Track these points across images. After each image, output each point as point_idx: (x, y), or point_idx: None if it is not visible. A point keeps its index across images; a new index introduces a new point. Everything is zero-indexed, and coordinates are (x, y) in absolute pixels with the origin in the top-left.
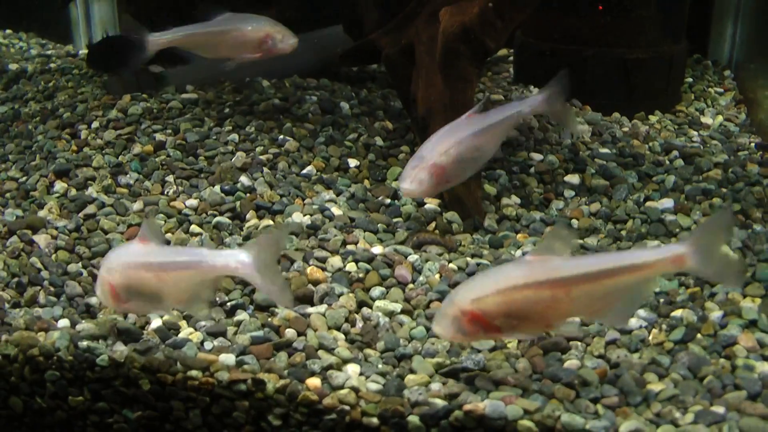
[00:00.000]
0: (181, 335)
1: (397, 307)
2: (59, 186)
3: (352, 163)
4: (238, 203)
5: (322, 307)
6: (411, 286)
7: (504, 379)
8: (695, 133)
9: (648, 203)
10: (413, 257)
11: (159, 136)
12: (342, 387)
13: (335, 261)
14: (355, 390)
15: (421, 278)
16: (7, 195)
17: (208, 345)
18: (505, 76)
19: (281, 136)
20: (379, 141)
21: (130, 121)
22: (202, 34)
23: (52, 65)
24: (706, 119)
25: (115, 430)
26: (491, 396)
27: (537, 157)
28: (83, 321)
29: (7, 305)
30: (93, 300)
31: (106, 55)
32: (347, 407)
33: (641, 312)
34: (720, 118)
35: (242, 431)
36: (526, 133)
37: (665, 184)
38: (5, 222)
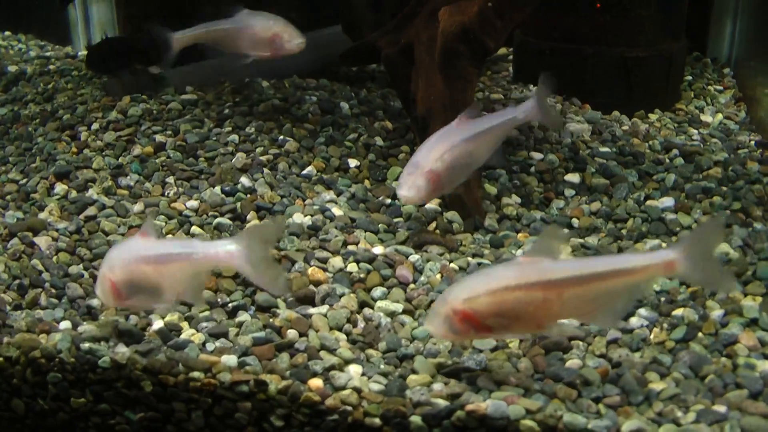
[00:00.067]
0: (182, 336)
1: (399, 307)
2: (60, 188)
3: (353, 163)
4: (238, 204)
5: (324, 308)
6: (412, 286)
7: (506, 378)
8: (695, 131)
9: (648, 202)
10: (414, 257)
11: (159, 138)
12: (344, 387)
13: (336, 261)
14: (358, 390)
15: (422, 278)
16: (8, 197)
17: (209, 346)
18: (505, 75)
19: (281, 137)
20: (379, 141)
21: (130, 123)
22: (219, 30)
23: (52, 67)
24: (706, 117)
25: None
26: (493, 396)
27: (537, 156)
28: (85, 323)
29: (8, 307)
30: (94, 302)
31: (106, 56)
32: (349, 408)
33: (642, 311)
34: (720, 116)
35: None
36: (526, 132)
37: (665, 182)
38: (6, 224)
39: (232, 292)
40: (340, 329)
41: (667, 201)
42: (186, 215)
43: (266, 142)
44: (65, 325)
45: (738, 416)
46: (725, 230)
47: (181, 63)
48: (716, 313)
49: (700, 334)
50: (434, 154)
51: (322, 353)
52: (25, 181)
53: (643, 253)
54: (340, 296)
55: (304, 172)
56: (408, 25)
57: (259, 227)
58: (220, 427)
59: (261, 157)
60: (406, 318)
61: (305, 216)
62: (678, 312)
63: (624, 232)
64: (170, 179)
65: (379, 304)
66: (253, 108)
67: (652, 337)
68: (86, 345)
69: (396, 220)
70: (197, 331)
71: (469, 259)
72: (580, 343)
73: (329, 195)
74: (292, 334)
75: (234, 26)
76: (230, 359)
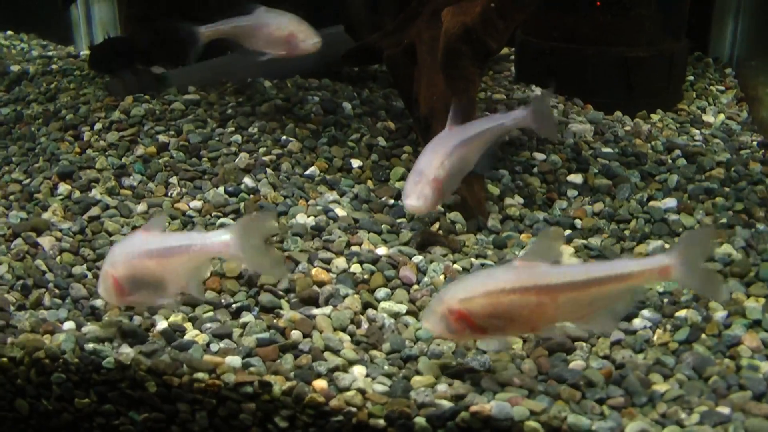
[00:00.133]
0: (186, 337)
1: (402, 308)
2: (63, 188)
3: (355, 163)
4: (242, 204)
5: (328, 309)
6: (416, 287)
7: (510, 380)
8: (697, 131)
9: (651, 203)
10: (418, 258)
11: (162, 138)
12: (348, 389)
13: (340, 262)
14: (362, 392)
15: (425, 279)
16: (11, 197)
17: (213, 347)
18: (506, 75)
19: (284, 137)
20: (381, 141)
21: (133, 123)
22: (241, 27)
23: (54, 66)
24: (708, 117)
25: None
26: (497, 397)
27: (540, 156)
28: (88, 323)
29: (12, 308)
30: (98, 302)
31: (108, 56)
32: (354, 409)
33: (645, 312)
34: (722, 116)
35: None
36: (529, 132)
37: (668, 183)
38: (10, 224)
39: (236, 292)
40: (344, 330)
41: (670, 202)
42: (189, 216)
43: (269, 143)
44: (69, 325)
45: (741, 418)
46: (722, 233)
47: (183, 63)
48: (719, 314)
49: (703, 336)
50: (436, 161)
51: (326, 354)
52: (28, 181)
53: (638, 259)
54: (344, 297)
55: (307, 172)
56: (410, 26)
57: (252, 217)
58: (224, 428)
59: (264, 158)
60: (410, 319)
61: (308, 216)
62: (681, 313)
63: (627, 233)
64: (173, 179)
65: (382, 305)
66: (255, 108)
67: (655, 338)
68: (90, 345)
69: (399, 220)
70: (201, 331)
71: (473, 259)
72: (584, 344)
73: (332, 195)
74: (296, 335)
75: (252, 23)
76: (234, 360)
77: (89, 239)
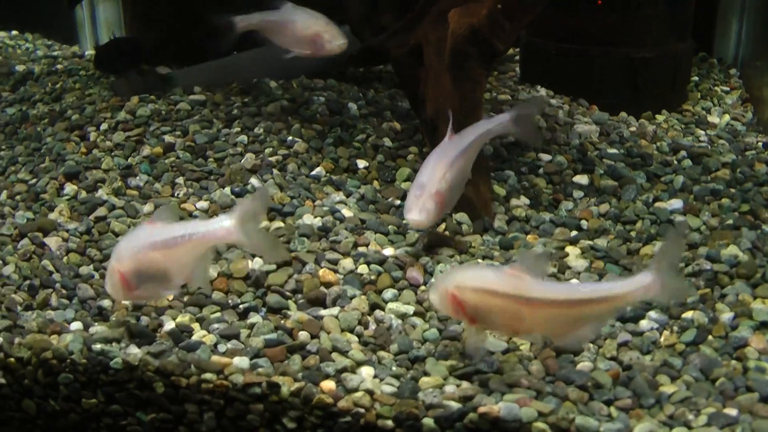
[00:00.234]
0: (194, 338)
1: (410, 309)
2: (69, 188)
3: (361, 164)
4: None
5: (335, 310)
6: (423, 288)
7: (517, 381)
8: (702, 132)
9: (657, 204)
10: (425, 259)
11: (168, 138)
12: (356, 390)
13: (347, 263)
14: (370, 392)
15: (432, 280)
16: (17, 197)
17: (221, 348)
18: (512, 76)
19: (290, 138)
20: (387, 142)
21: (139, 123)
22: (269, 21)
23: (59, 66)
24: (713, 118)
25: None
26: (505, 398)
27: (545, 157)
28: (96, 324)
29: (19, 308)
30: (105, 302)
31: (114, 56)
32: (362, 410)
33: (652, 314)
34: (727, 117)
35: None
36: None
37: (674, 184)
38: (16, 224)
39: (243, 293)
40: (351, 331)
41: (676, 203)
42: (196, 216)
43: (275, 143)
44: (76, 325)
45: (749, 419)
46: (683, 247)
47: (188, 63)
48: (726, 315)
49: (710, 337)
50: (438, 173)
51: (334, 355)
52: (34, 181)
53: (622, 280)
54: (351, 298)
55: (313, 173)
56: (416, 27)
57: (248, 200)
58: (232, 429)
59: (270, 158)
60: (417, 320)
61: (315, 217)
62: (688, 315)
63: (633, 234)
64: (180, 180)
65: (390, 305)
66: (261, 109)
67: (662, 339)
68: (98, 346)
69: (405, 221)
70: (208, 332)
71: (479, 260)
72: (591, 345)
73: (339, 196)
74: (303, 335)
75: (279, 19)
76: (242, 361)
77: (96, 239)
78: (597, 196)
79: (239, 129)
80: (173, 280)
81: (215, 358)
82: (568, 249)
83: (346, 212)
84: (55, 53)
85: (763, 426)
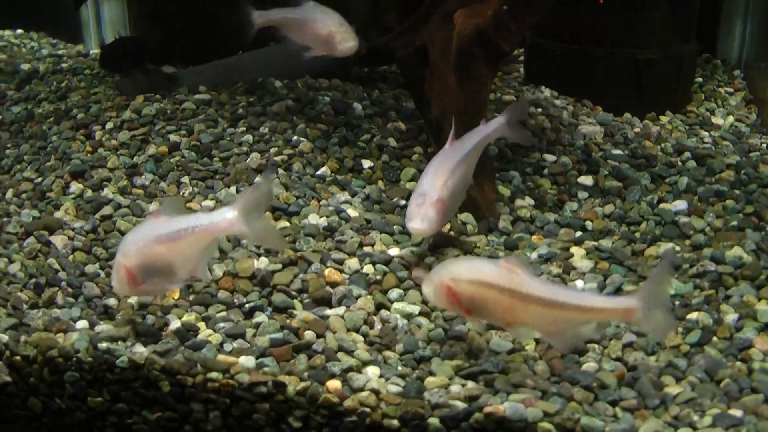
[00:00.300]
0: (200, 337)
1: (415, 309)
2: (75, 187)
3: (366, 164)
4: None
5: (341, 309)
6: None
7: (523, 381)
8: (706, 133)
9: (661, 205)
10: (430, 259)
11: (173, 137)
12: (362, 389)
13: (352, 263)
14: (376, 392)
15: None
16: (23, 196)
17: (227, 347)
18: (516, 76)
19: (295, 137)
20: (392, 142)
21: (144, 122)
22: (288, 18)
23: (64, 65)
24: (717, 119)
25: (134, 431)
26: (511, 398)
27: (550, 158)
28: (102, 322)
29: (25, 306)
30: (111, 301)
31: (119, 55)
32: (368, 409)
33: None
34: (731, 118)
35: None
36: (539, 134)
37: (678, 185)
38: (22, 223)
39: (249, 292)
40: (357, 331)
41: (680, 204)
42: None
43: (280, 143)
44: (82, 324)
45: (754, 421)
46: (672, 276)
47: (193, 62)
48: (730, 317)
49: (714, 338)
50: (439, 181)
51: (340, 355)
52: (40, 179)
53: (605, 296)
54: (357, 298)
55: (319, 172)
56: (422, 27)
57: (251, 190)
58: (237, 428)
59: (275, 158)
60: (423, 320)
61: (321, 217)
62: (692, 316)
63: (638, 235)
64: (185, 179)
65: (395, 305)
66: (266, 108)
67: (667, 340)
68: (104, 345)
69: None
70: (214, 331)
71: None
72: (596, 346)
73: (344, 196)
74: (309, 335)
75: (298, 16)
76: (248, 360)
77: (101, 238)
78: (602, 197)
79: (244, 128)
80: (178, 274)
81: (221, 357)
82: (573, 250)
83: (352, 212)
84: (60, 52)
85: (767, 427)
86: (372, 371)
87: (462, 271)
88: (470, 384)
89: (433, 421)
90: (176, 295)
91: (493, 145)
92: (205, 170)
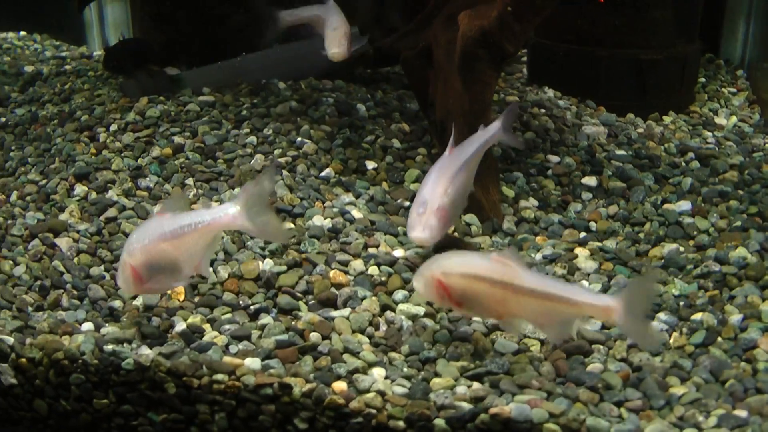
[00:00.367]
0: (205, 339)
1: (420, 310)
2: (79, 189)
3: (370, 165)
4: None
5: (346, 311)
6: None
7: (528, 382)
8: (710, 134)
9: (665, 206)
10: None
11: (177, 139)
12: (368, 390)
13: (357, 264)
14: (381, 393)
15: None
16: (28, 198)
17: (233, 348)
18: (519, 77)
19: (299, 139)
20: (396, 143)
21: (148, 124)
22: (312, 17)
23: (68, 67)
24: (720, 120)
25: None
26: (516, 399)
27: (554, 159)
28: (107, 324)
29: (30, 308)
30: (116, 303)
31: (123, 57)
32: (374, 411)
33: (662, 315)
34: (734, 118)
35: None
36: (543, 134)
37: (682, 186)
38: (27, 225)
39: (254, 294)
40: (362, 332)
41: (684, 205)
42: None
43: (284, 144)
44: (87, 326)
45: (759, 421)
46: (657, 288)
47: (197, 64)
48: (735, 317)
49: (719, 339)
50: (439, 189)
51: (346, 356)
52: (44, 182)
53: (589, 292)
54: (362, 299)
55: (323, 174)
56: (426, 29)
57: (253, 184)
58: (243, 430)
59: (279, 159)
60: (428, 321)
61: (325, 219)
62: (697, 316)
63: (642, 235)
64: (189, 181)
65: (400, 307)
66: (270, 110)
67: (671, 341)
68: (109, 347)
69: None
70: (220, 333)
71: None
72: (601, 347)
73: (348, 197)
74: (315, 337)
75: (317, 16)
76: (254, 362)
77: (106, 240)
78: (606, 197)
79: (248, 130)
80: (183, 271)
81: (227, 358)
82: (577, 250)
83: (356, 213)
84: (64, 54)
85: None
86: (378, 372)
87: (453, 265)
88: (476, 385)
89: (439, 422)
90: (181, 297)
91: (496, 147)
92: (210, 172)
